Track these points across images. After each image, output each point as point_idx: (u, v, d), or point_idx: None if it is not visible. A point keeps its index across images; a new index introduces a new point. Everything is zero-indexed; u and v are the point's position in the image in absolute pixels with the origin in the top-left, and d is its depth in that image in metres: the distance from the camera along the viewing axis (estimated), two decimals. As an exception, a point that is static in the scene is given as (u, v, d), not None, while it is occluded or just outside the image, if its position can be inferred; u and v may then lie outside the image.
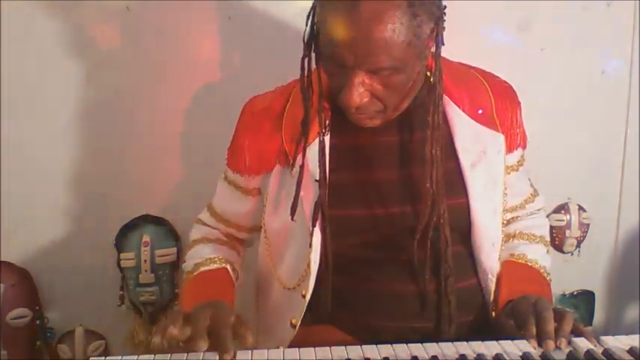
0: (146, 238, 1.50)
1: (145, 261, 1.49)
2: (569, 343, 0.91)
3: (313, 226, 1.00)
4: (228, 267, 1.13)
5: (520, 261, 1.12)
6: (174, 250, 1.52)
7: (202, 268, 1.11)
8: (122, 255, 1.50)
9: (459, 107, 1.04)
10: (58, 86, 1.44)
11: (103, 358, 0.89)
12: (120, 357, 0.88)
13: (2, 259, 1.49)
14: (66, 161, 1.48)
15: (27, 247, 1.51)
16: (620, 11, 1.55)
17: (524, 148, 1.15)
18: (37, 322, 1.50)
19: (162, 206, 1.53)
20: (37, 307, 1.50)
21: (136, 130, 1.48)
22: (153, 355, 0.88)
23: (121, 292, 1.53)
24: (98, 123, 1.47)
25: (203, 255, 1.14)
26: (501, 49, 1.51)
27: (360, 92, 0.91)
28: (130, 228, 1.51)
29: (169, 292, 1.53)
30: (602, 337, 0.92)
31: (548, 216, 1.62)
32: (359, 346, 0.90)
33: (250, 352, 0.89)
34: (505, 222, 1.13)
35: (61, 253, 1.53)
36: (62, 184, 1.49)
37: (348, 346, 0.89)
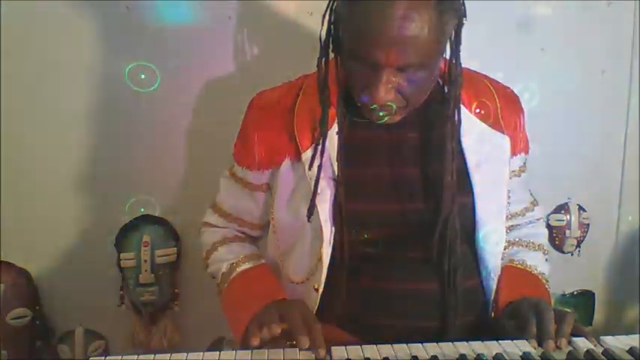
0: (146, 238, 1.49)
1: (145, 261, 1.49)
2: (569, 343, 0.91)
3: (333, 223, 1.00)
4: (264, 261, 1.14)
5: (520, 267, 1.13)
6: (175, 250, 1.52)
7: (240, 268, 1.11)
8: (122, 255, 1.50)
9: (467, 108, 1.05)
10: (58, 86, 1.44)
11: (103, 358, 0.89)
12: (120, 357, 0.88)
13: (2, 259, 1.49)
14: (66, 161, 1.48)
15: (27, 247, 1.51)
16: (620, 11, 1.55)
17: (526, 153, 1.17)
18: (37, 322, 1.50)
19: (163, 206, 1.53)
20: (37, 307, 1.50)
21: (135, 130, 1.48)
22: (153, 355, 0.88)
23: (121, 292, 1.53)
24: (98, 123, 1.47)
25: (234, 255, 1.14)
26: (501, 49, 1.51)
27: (387, 89, 0.92)
28: (130, 228, 1.51)
29: (169, 292, 1.53)
30: (602, 337, 0.92)
31: (548, 216, 1.62)
32: (359, 346, 0.90)
33: (250, 352, 0.90)
34: (505, 229, 1.13)
35: (61, 253, 1.53)
36: (62, 184, 1.49)
37: (348, 346, 0.89)
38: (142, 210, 1.52)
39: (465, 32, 0.97)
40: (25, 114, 1.45)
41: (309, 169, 1.02)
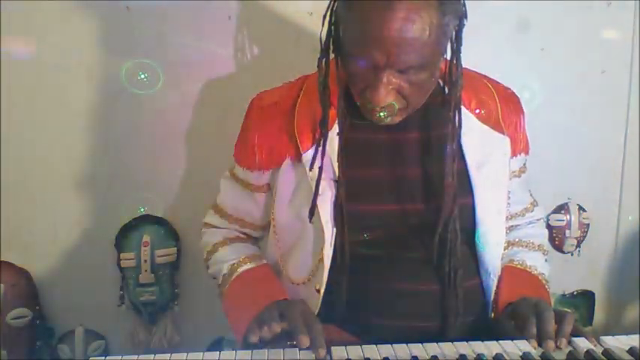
0: (146, 238, 1.49)
1: (145, 261, 1.49)
2: (569, 343, 0.91)
3: (334, 224, 1.00)
4: (265, 261, 1.14)
5: (520, 267, 1.13)
6: (175, 250, 1.52)
7: (241, 269, 1.11)
8: (122, 255, 1.50)
9: (467, 109, 1.05)
10: (57, 86, 1.44)
11: (103, 358, 0.89)
12: (120, 357, 0.88)
13: (2, 259, 1.49)
14: (66, 161, 1.48)
15: (27, 247, 1.51)
16: (620, 11, 1.55)
17: (526, 154, 1.17)
18: (37, 322, 1.50)
19: (163, 206, 1.53)
20: (37, 307, 1.50)
21: (135, 130, 1.48)
22: (153, 355, 0.88)
23: (121, 292, 1.53)
24: (98, 123, 1.47)
25: (235, 256, 1.14)
26: (501, 49, 1.51)
27: (387, 91, 0.92)
28: (130, 228, 1.51)
29: (169, 292, 1.53)
30: (602, 337, 0.92)
31: (548, 216, 1.62)
32: (359, 346, 0.90)
33: (250, 352, 0.90)
34: (505, 229, 1.13)
35: (61, 253, 1.53)
36: (62, 183, 1.49)
37: (348, 346, 0.89)
38: (142, 210, 1.52)
39: (465, 33, 0.97)
40: (25, 114, 1.45)
41: (310, 169, 1.02)
